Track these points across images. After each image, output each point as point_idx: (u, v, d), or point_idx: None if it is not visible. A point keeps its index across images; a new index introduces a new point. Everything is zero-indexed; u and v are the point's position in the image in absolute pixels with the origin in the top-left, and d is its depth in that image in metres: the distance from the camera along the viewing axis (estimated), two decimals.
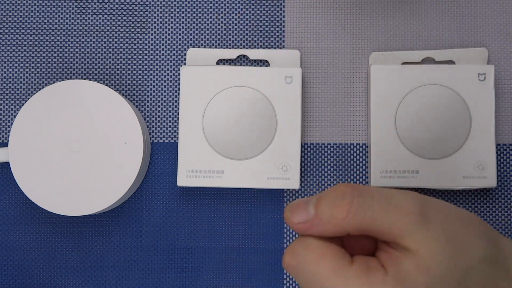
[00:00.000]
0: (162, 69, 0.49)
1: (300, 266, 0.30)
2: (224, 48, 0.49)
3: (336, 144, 0.49)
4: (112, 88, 0.49)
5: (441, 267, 0.29)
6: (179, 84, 0.49)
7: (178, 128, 0.49)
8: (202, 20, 0.50)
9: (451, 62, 0.49)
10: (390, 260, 0.30)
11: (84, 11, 0.50)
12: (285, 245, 0.48)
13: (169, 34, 0.50)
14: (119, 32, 0.50)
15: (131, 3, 0.50)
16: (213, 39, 0.50)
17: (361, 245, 0.33)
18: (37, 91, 0.49)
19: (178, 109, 0.49)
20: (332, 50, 0.49)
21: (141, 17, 0.50)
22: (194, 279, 0.48)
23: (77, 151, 0.46)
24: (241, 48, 0.49)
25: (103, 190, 0.45)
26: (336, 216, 0.30)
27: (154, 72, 0.49)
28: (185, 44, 0.50)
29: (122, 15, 0.50)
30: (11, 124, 0.49)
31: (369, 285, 0.29)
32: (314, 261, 0.30)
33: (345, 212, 0.30)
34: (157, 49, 0.50)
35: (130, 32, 0.50)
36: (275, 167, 0.46)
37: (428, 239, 0.29)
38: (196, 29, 0.50)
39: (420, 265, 0.29)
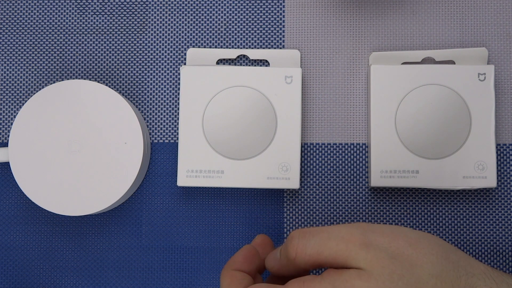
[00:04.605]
0: (162, 69, 0.49)
1: None
2: (224, 48, 0.49)
3: (336, 144, 0.49)
4: (112, 88, 0.49)
5: (383, 278, 0.32)
6: (179, 84, 0.49)
7: (178, 128, 0.49)
8: (202, 20, 0.50)
9: (451, 62, 0.49)
10: (333, 271, 0.33)
11: (84, 11, 0.50)
12: None
13: (169, 34, 0.50)
14: (119, 32, 0.50)
15: (131, 3, 0.50)
16: (213, 39, 0.50)
17: None
18: (37, 91, 0.49)
19: (178, 109, 0.49)
20: (332, 50, 0.49)
21: (141, 17, 0.50)
22: (194, 279, 0.48)
23: (77, 151, 0.46)
24: (241, 48, 0.49)
25: (103, 190, 0.45)
26: (289, 258, 0.35)
27: (154, 72, 0.49)
28: (185, 44, 0.50)
29: (122, 15, 0.50)
30: (11, 124, 0.49)
31: None
32: None
33: (294, 253, 0.34)
34: (157, 49, 0.50)
35: (130, 32, 0.50)
36: (275, 167, 0.46)
37: (369, 259, 0.33)
38: (196, 29, 0.50)
39: (361, 274, 0.32)
